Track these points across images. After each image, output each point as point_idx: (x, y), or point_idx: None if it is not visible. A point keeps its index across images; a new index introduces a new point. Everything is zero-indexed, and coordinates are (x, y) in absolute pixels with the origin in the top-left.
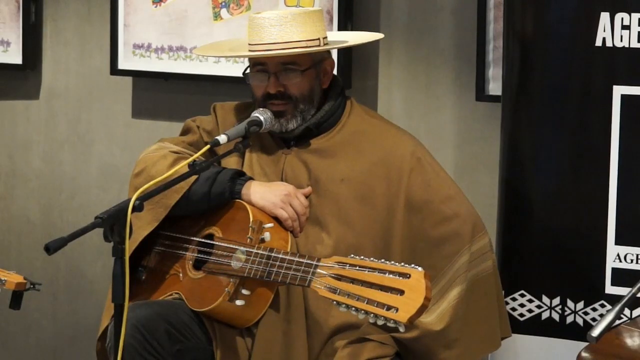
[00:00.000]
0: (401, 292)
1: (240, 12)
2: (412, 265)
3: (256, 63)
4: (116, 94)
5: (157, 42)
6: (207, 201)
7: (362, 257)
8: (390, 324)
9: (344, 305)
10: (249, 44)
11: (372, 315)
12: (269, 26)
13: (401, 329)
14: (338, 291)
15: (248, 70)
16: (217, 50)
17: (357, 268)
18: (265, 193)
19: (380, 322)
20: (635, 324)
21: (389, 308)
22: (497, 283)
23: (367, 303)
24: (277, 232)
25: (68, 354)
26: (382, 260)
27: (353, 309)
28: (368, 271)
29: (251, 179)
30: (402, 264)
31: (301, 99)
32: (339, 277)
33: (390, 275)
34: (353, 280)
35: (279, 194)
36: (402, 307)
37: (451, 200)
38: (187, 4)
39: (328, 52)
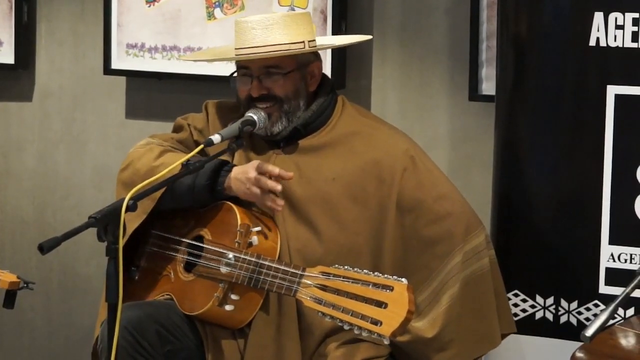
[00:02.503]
0: (384, 305)
1: (234, 12)
2: (395, 278)
3: (240, 67)
4: (110, 94)
5: (150, 41)
6: (191, 194)
7: (346, 267)
8: (374, 337)
9: (329, 317)
10: (235, 48)
11: (356, 327)
12: (252, 29)
13: (385, 342)
14: (323, 302)
15: (235, 74)
16: (203, 55)
17: (342, 279)
18: (240, 185)
19: (364, 334)
20: (629, 324)
21: (372, 321)
22: (497, 280)
23: (351, 315)
24: (266, 234)
25: (62, 354)
26: (366, 271)
27: (338, 320)
28: (352, 282)
29: (234, 166)
30: (386, 275)
31: (286, 100)
32: (324, 288)
33: (374, 288)
34: (337, 292)
35: (246, 182)
36: (385, 320)
37: (444, 198)
38: (181, 4)
39: (315, 54)
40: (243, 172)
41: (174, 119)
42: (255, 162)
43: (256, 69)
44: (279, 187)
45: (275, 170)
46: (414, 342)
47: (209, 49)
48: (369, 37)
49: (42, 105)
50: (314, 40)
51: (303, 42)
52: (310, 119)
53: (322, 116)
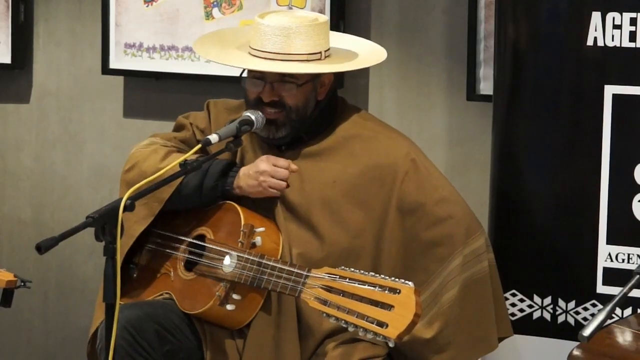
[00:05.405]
0: (391, 307)
1: (232, 12)
2: (402, 281)
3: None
4: (107, 94)
5: (148, 41)
6: (199, 195)
7: (352, 269)
8: (380, 339)
9: (333, 318)
10: (251, 47)
11: (361, 329)
12: (271, 35)
13: (390, 344)
14: (328, 303)
15: (245, 74)
16: (213, 46)
17: (348, 280)
18: (250, 180)
19: (369, 336)
20: (627, 323)
21: (378, 323)
22: (496, 283)
23: (357, 317)
24: (269, 235)
25: (59, 354)
26: (372, 273)
27: (343, 321)
28: (358, 284)
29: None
30: (393, 278)
31: (295, 109)
32: (329, 289)
33: (380, 290)
34: (343, 293)
35: (257, 176)
36: (391, 322)
37: (445, 201)
38: (179, 4)
39: None
40: (254, 166)
41: (172, 119)
42: (264, 157)
43: (270, 76)
44: (286, 174)
45: (286, 162)
46: (412, 342)
47: (224, 30)
48: (384, 57)
49: (39, 105)
50: (329, 49)
51: (320, 52)
52: (313, 123)
53: (324, 121)
